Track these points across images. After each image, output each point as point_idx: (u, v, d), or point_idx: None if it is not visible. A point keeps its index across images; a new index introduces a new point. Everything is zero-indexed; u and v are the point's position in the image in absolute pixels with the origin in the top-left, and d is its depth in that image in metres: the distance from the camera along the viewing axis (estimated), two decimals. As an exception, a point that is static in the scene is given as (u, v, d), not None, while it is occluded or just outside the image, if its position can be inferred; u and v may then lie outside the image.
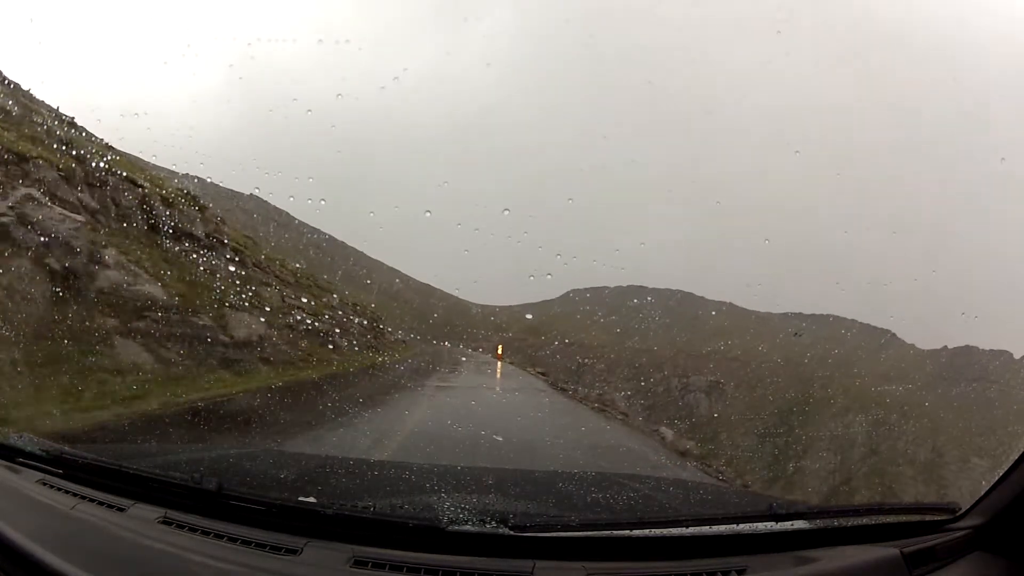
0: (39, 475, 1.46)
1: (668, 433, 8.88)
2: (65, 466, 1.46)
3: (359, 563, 1.08)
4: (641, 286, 79.30)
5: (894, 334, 56.19)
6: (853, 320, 57.67)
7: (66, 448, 1.55)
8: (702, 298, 72.15)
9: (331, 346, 12.86)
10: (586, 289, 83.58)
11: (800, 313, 64.97)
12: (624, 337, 58.51)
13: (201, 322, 8.13)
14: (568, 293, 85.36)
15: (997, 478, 1.32)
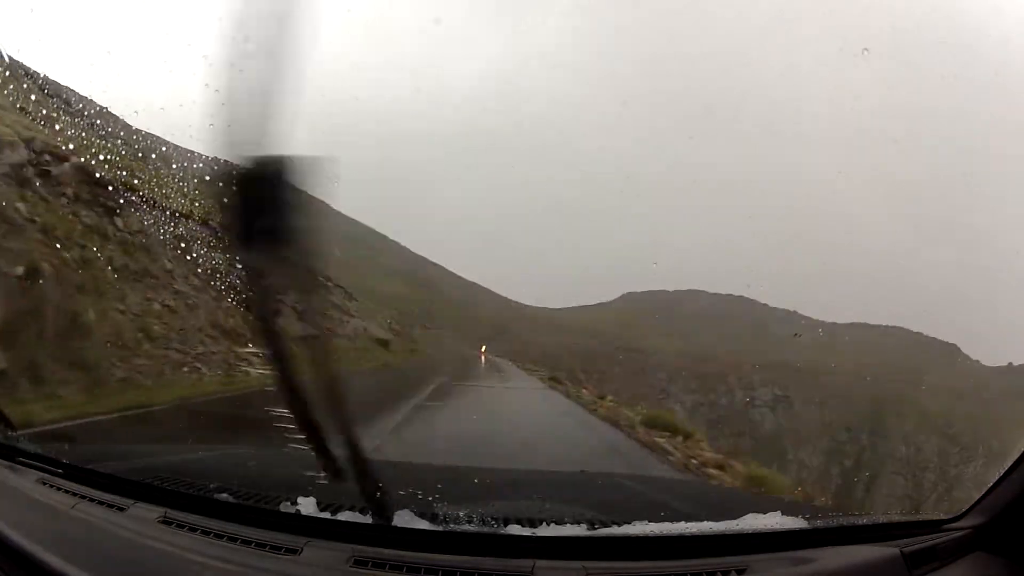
0: (39, 475, 1.46)
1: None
2: (65, 466, 1.46)
3: (359, 563, 1.08)
4: (700, 290, 77.28)
5: (959, 348, 55.27)
6: (919, 333, 56.53)
7: (66, 448, 1.56)
8: (764, 304, 69.63)
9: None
10: (643, 292, 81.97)
11: (866, 323, 63.49)
12: (684, 343, 56.83)
13: None
14: (623, 296, 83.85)
15: (997, 478, 1.32)
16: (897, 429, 38.13)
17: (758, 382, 47.38)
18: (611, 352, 52.74)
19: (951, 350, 55.25)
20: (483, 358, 28.57)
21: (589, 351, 51.17)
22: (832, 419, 39.33)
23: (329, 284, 24.47)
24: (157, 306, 10.17)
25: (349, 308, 23.26)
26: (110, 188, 10.44)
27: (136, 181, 11.21)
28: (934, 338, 56.63)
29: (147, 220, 10.88)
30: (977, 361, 52.16)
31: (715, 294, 76.00)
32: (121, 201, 10.58)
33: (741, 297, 72.01)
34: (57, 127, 10.72)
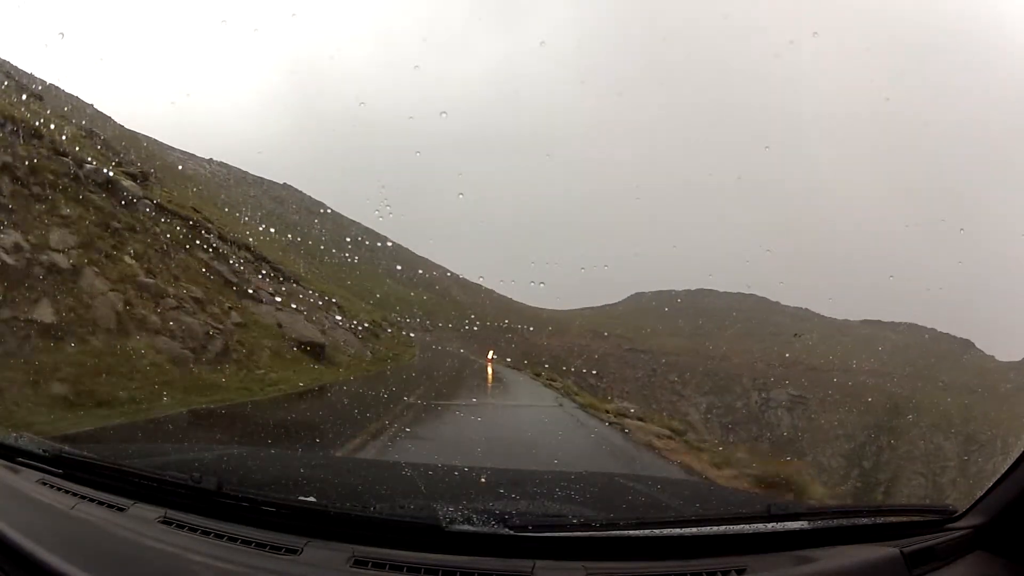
0: (39, 475, 1.46)
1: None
2: (65, 466, 1.46)
3: (359, 563, 1.09)
4: (712, 289, 75.97)
5: (973, 343, 54.78)
6: (932, 328, 56.07)
7: (66, 448, 1.56)
8: (777, 303, 68.25)
9: None
10: (652, 292, 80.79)
11: (879, 320, 62.99)
12: (697, 344, 55.98)
13: None
14: (633, 296, 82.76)
15: (997, 478, 1.32)
16: (913, 428, 37.79)
17: (772, 382, 46.76)
18: (622, 354, 52.35)
19: (965, 345, 54.97)
20: (490, 367, 22.92)
21: (600, 353, 50.69)
22: (848, 419, 38.96)
23: (234, 248, 15.30)
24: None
25: (260, 293, 14.39)
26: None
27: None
28: (947, 333, 56.40)
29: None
30: (992, 356, 51.85)
31: (726, 292, 74.88)
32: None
33: (752, 295, 70.78)
34: None
